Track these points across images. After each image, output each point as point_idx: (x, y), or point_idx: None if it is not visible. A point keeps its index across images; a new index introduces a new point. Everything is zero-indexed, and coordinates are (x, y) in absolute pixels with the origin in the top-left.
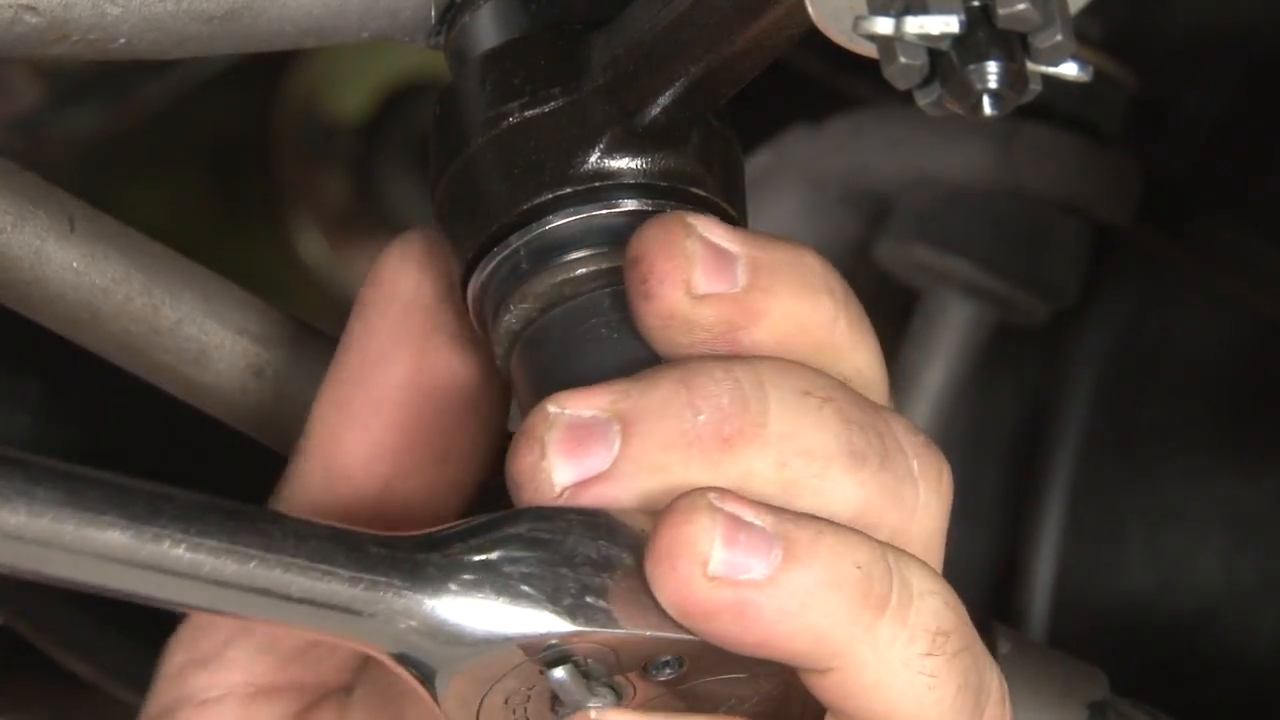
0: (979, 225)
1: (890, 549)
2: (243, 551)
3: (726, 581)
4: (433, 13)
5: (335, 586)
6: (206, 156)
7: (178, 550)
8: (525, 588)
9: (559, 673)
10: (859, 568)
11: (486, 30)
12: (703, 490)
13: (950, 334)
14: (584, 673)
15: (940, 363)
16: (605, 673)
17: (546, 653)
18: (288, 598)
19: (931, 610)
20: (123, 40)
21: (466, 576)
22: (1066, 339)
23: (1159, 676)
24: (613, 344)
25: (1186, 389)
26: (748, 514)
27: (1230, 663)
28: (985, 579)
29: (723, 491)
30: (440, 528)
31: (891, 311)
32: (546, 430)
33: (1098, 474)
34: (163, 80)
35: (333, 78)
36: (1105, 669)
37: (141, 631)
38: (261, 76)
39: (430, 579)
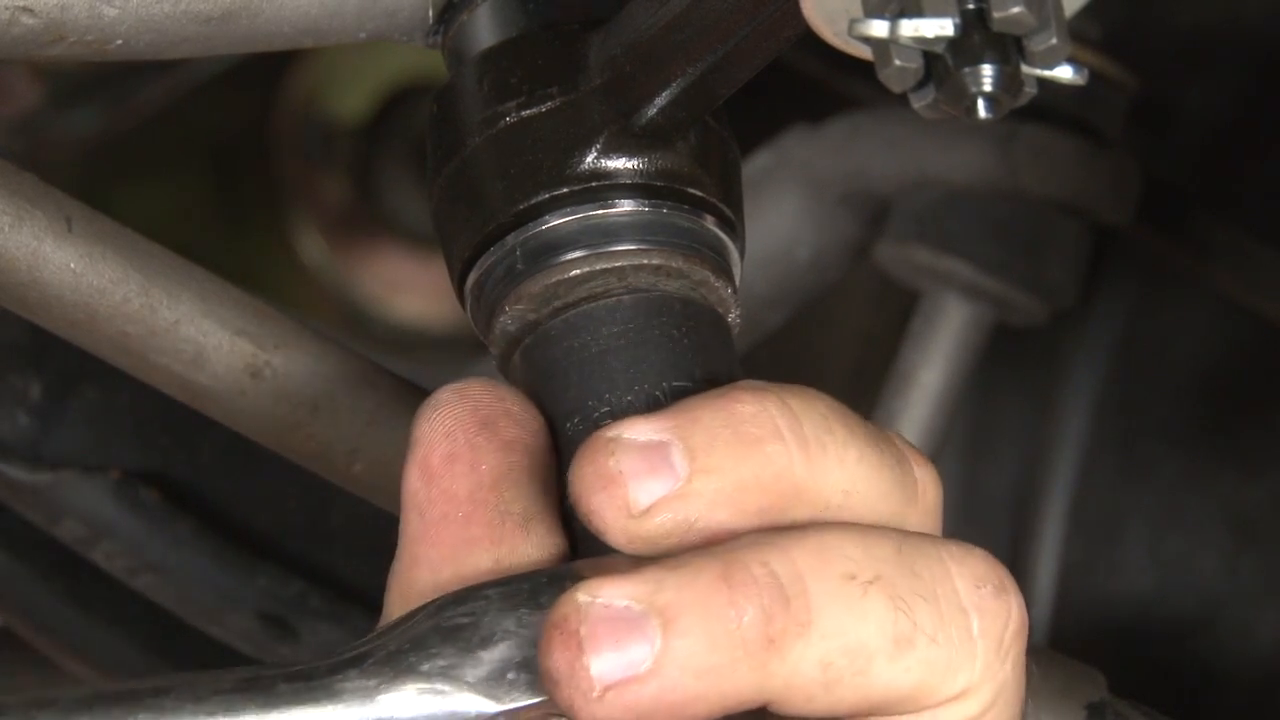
0: (978, 227)
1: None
2: None
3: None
4: (430, 12)
5: None
6: (206, 157)
7: None
8: (441, 684)
9: None
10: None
11: (484, 30)
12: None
13: (950, 335)
14: None
15: (940, 363)
16: None
17: None
18: None
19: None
20: (120, 41)
21: (383, 687)
22: (1066, 340)
23: (1159, 676)
24: (605, 365)
25: (1186, 389)
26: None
27: (1230, 663)
28: None
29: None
30: (356, 642)
31: (891, 312)
32: (580, 623)
33: (1098, 474)
34: (162, 81)
35: (332, 79)
36: (1105, 669)
37: (141, 633)
38: (261, 77)
39: (347, 699)
